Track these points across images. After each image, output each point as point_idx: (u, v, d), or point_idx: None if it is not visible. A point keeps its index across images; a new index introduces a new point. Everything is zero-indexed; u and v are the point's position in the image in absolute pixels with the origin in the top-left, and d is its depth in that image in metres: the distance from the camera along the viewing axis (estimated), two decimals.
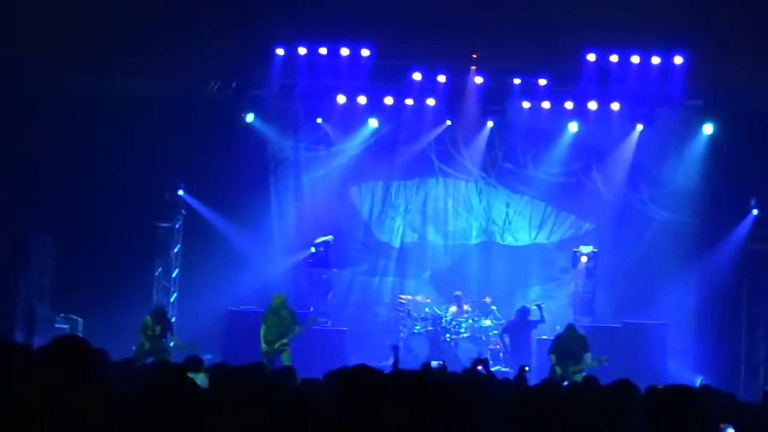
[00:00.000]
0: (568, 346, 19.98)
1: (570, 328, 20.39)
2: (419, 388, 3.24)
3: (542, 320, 23.26)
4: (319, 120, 25.62)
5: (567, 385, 11.84)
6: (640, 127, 24.90)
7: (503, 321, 23.79)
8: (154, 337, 20.51)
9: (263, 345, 19.99)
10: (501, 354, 23.42)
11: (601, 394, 9.37)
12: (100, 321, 21.93)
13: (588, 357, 19.73)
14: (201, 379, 9.77)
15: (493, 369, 20.72)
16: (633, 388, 9.14)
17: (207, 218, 24.90)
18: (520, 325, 23.30)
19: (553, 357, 20.00)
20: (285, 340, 19.94)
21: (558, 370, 19.56)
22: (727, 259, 23.99)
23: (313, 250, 24.76)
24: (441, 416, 3.18)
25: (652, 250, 24.88)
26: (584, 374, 16.68)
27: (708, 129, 24.52)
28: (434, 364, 15.40)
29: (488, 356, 22.43)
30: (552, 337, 20.90)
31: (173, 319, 23.08)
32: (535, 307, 23.40)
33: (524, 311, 23.40)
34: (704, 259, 24.40)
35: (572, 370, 19.44)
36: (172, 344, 20.89)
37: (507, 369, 22.09)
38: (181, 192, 24.87)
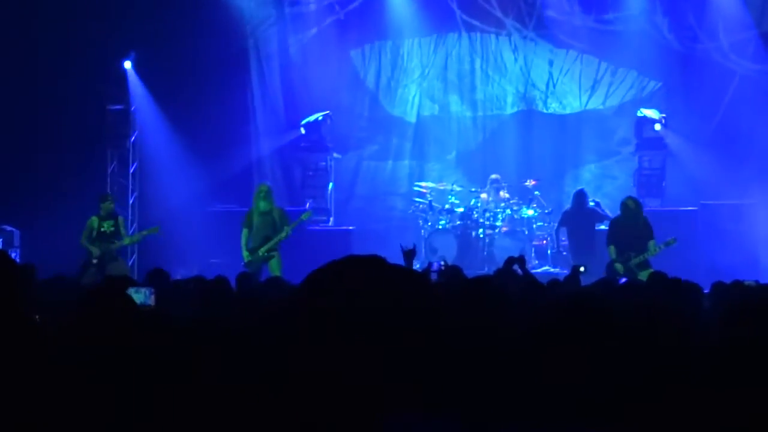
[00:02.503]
0: (626, 231, 19.20)
1: (625, 206, 19.25)
2: (419, 288, 2.89)
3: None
4: None
5: (622, 283, 11.39)
6: None
7: (550, 209, 23.46)
8: (103, 238, 20.12)
9: (245, 253, 19.59)
10: (549, 251, 23.14)
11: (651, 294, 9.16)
12: (43, 231, 21.76)
13: (652, 244, 19.09)
14: (143, 296, 9.48)
15: (538, 270, 20.55)
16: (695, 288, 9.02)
17: (155, 99, 24.46)
18: (578, 215, 22.65)
19: (611, 249, 19.07)
20: (271, 245, 19.53)
21: (619, 267, 18.77)
22: None
23: (303, 131, 24.44)
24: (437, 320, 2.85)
25: (736, 112, 24.36)
26: (652, 270, 16.34)
27: None
28: (435, 265, 15.05)
29: (532, 253, 22.23)
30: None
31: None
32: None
33: (581, 194, 22.72)
34: None
35: (634, 263, 18.74)
36: (126, 242, 20.80)
37: (556, 269, 21.81)
38: (128, 64, 24.27)
